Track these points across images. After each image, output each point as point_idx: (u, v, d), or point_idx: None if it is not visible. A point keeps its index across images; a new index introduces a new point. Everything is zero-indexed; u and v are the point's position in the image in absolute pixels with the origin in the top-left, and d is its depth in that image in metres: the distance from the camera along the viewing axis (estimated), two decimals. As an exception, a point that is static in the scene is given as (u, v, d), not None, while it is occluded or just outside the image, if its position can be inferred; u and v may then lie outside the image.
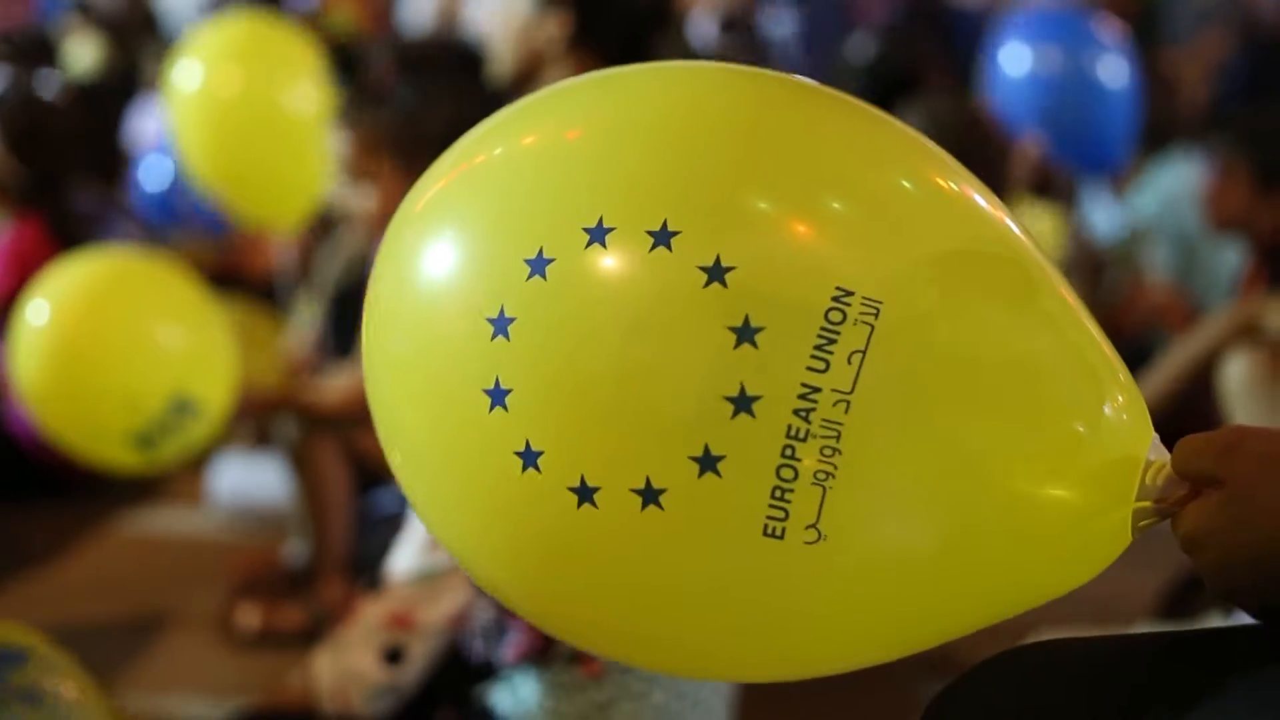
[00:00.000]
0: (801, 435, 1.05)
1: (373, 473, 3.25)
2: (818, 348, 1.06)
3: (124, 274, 2.95)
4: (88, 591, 3.37)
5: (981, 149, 3.42)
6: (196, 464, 4.03)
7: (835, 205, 1.10)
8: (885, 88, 3.99)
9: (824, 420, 1.05)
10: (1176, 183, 4.48)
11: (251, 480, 3.77)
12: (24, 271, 3.90)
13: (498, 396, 1.10)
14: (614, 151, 1.13)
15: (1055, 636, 1.26)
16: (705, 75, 1.22)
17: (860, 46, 4.64)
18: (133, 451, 2.82)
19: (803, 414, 1.05)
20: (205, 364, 2.88)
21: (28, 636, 2.01)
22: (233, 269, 5.10)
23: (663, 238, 1.07)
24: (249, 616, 3.12)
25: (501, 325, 1.10)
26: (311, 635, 3.08)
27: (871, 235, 1.10)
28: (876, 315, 1.06)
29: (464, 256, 1.15)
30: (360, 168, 3.15)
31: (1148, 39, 6.72)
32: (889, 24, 5.85)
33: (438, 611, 2.13)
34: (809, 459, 1.05)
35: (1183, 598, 2.84)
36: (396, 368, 1.20)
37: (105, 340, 2.81)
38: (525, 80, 3.09)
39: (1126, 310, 3.96)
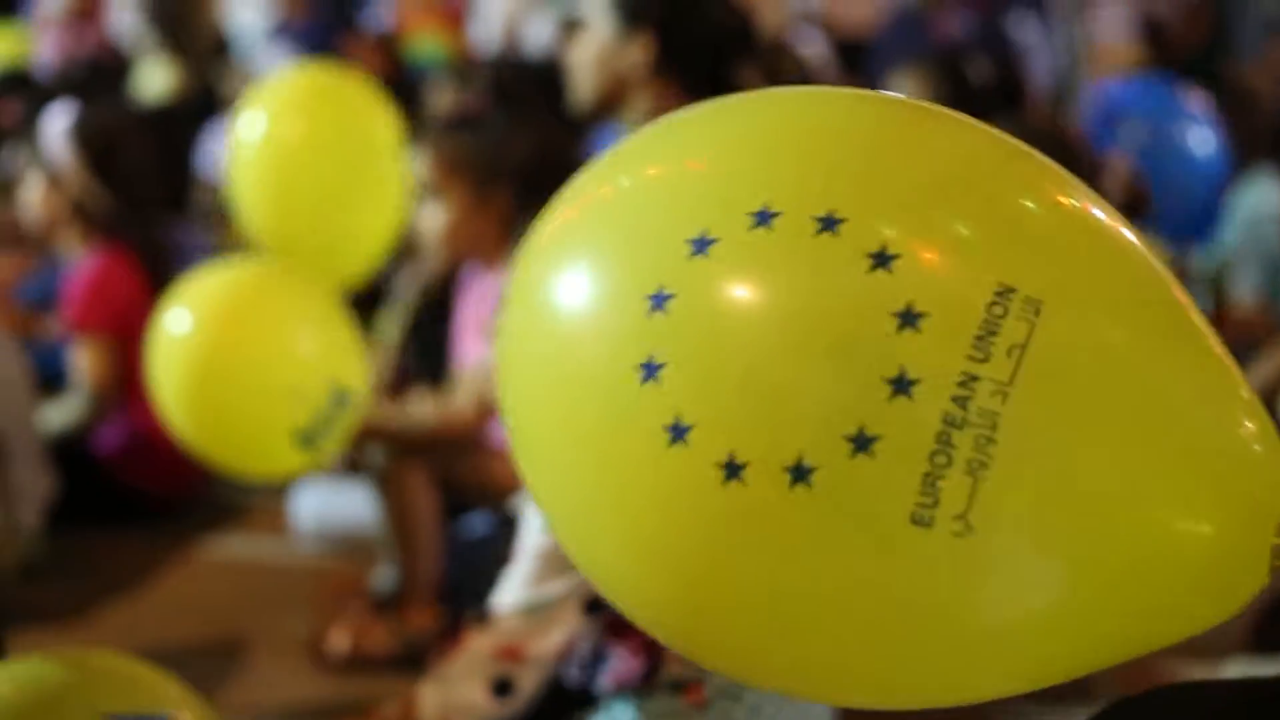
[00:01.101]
0: (958, 422, 1.06)
1: (461, 497, 3.26)
2: (978, 338, 1.07)
3: (260, 278, 2.97)
4: (176, 616, 3.40)
5: (1073, 166, 3.39)
6: (280, 489, 4.06)
7: (999, 205, 1.13)
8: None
9: (981, 409, 1.06)
10: (1261, 202, 4.45)
11: (335, 505, 3.78)
12: (107, 301, 3.94)
13: (650, 371, 1.11)
14: (781, 142, 1.17)
15: (1156, 671, 1.26)
16: (851, 90, 1.26)
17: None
18: (296, 451, 2.83)
19: (960, 401, 1.06)
20: (350, 355, 2.91)
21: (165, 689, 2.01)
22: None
23: (829, 224, 1.10)
24: (338, 641, 3.13)
25: (659, 301, 1.12)
26: (400, 660, 3.09)
27: (1033, 236, 1.13)
28: (1037, 314, 1.08)
29: (624, 236, 1.17)
30: (437, 186, 3.18)
31: (1220, 54, 6.68)
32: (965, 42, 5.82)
33: (547, 644, 2.13)
34: (963, 447, 1.06)
35: (1272, 628, 2.80)
36: (538, 356, 1.21)
37: (265, 340, 2.83)
38: (606, 106, 3.10)
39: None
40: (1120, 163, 4.15)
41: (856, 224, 1.09)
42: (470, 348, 3.24)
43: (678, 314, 1.11)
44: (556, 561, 2.15)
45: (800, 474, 1.07)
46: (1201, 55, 6.59)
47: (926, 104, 1.24)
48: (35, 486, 3.60)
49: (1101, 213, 1.18)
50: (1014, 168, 1.19)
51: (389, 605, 3.23)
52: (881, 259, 1.08)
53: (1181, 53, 6.79)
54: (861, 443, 1.06)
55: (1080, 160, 3.44)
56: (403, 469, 3.17)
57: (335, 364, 2.85)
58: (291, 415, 2.79)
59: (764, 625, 1.13)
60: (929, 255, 1.09)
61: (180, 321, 2.85)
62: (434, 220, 3.23)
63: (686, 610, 1.18)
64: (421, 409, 3.26)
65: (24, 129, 4.85)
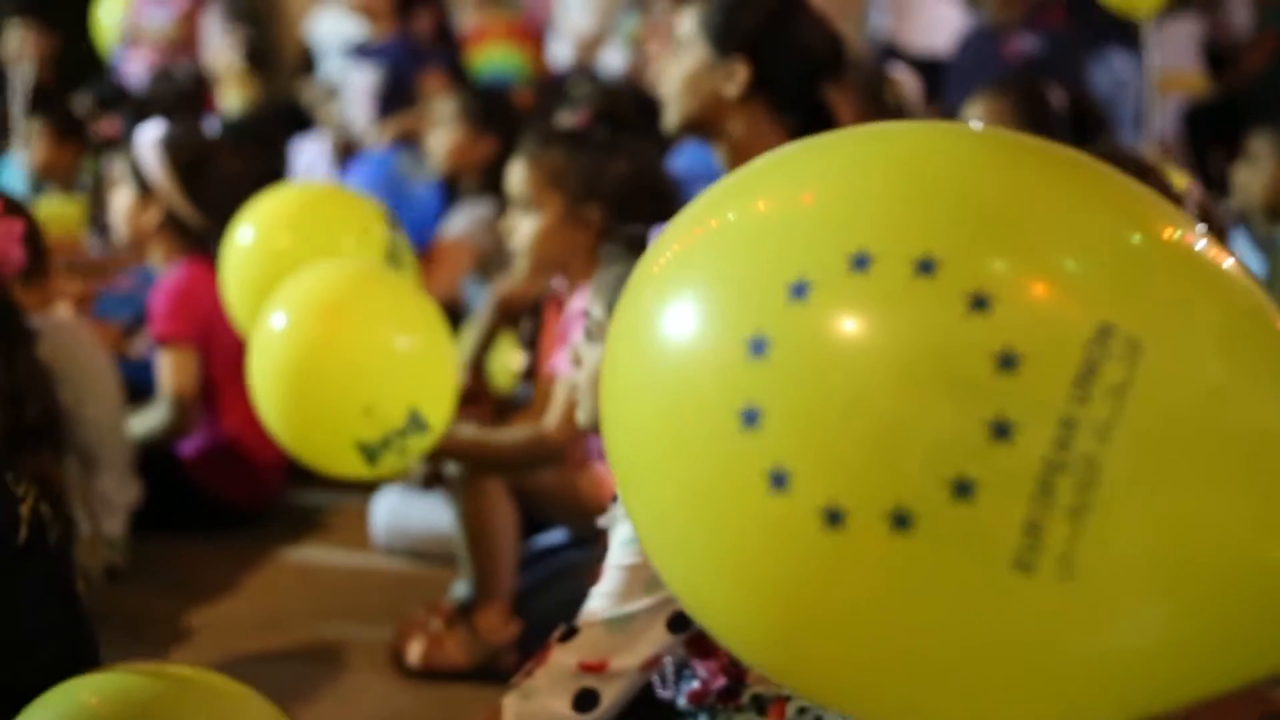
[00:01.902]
0: (1059, 466, 1.05)
1: (538, 509, 3.28)
2: (1078, 380, 1.06)
3: (365, 283, 2.98)
4: (255, 625, 3.42)
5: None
6: (360, 498, 4.10)
7: (1096, 241, 1.12)
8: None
9: (1082, 452, 1.05)
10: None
11: (414, 514, 3.81)
12: (189, 312, 3.99)
13: (750, 418, 1.11)
14: (876, 185, 1.16)
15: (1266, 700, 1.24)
16: (948, 126, 1.27)
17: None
18: (356, 461, 2.85)
19: (1061, 444, 1.05)
20: (438, 381, 2.91)
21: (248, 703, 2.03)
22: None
23: (926, 267, 1.09)
24: (414, 651, 3.15)
25: (759, 348, 1.12)
26: (477, 671, 3.10)
27: (1132, 272, 1.12)
28: (1137, 353, 1.07)
29: (724, 278, 1.17)
30: (531, 197, 3.19)
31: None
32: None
33: (632, 659, 2.15)
34: (1065, 490, 1.05)
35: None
36: (641, 391, 1.22)
37: (355, 349, 2.84)
38: (696, 128, 3.11)
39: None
40: (1193, 190, 4.12)
41: (953, 266, 1.09)
42: (557, 365, 3.26)
43: (777, 361, 1.11)
44: (643, 578, 2.16)
45: (901, 521, 1.07)
46: (1265, 81, 6.54)
47: (1021, 136, 1.23)
48: (122, 496, 3.65)
49: (1201, 243, 1.17)
50: (1111, 199, 1.18)
51: (466, 615, 3.24)
52: (979, 302, 1.08)
53: (1245, 78, 6.76)
54: (962, 489, 1.06)
55: (1159, 188, 3.42)
56: (481, 480, 3.19)
57: (419, 389, 2.86)
58: (361, 430, 2.80)
59: (864, 669, 1.14)
60: (1026, 296, 1.09)
61: (279, 319, 2.88)
62: (523, 232, 3.24)
63: (785, 650, 1.19)
64: (508, 434, 3.26)
65: (116, 142, 4.93)
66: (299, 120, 8.04)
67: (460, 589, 3.37)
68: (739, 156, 3.07)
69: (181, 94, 6.27)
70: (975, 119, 4.04)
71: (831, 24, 3.18)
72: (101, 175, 5.47)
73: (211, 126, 4.98)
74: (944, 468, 1.06)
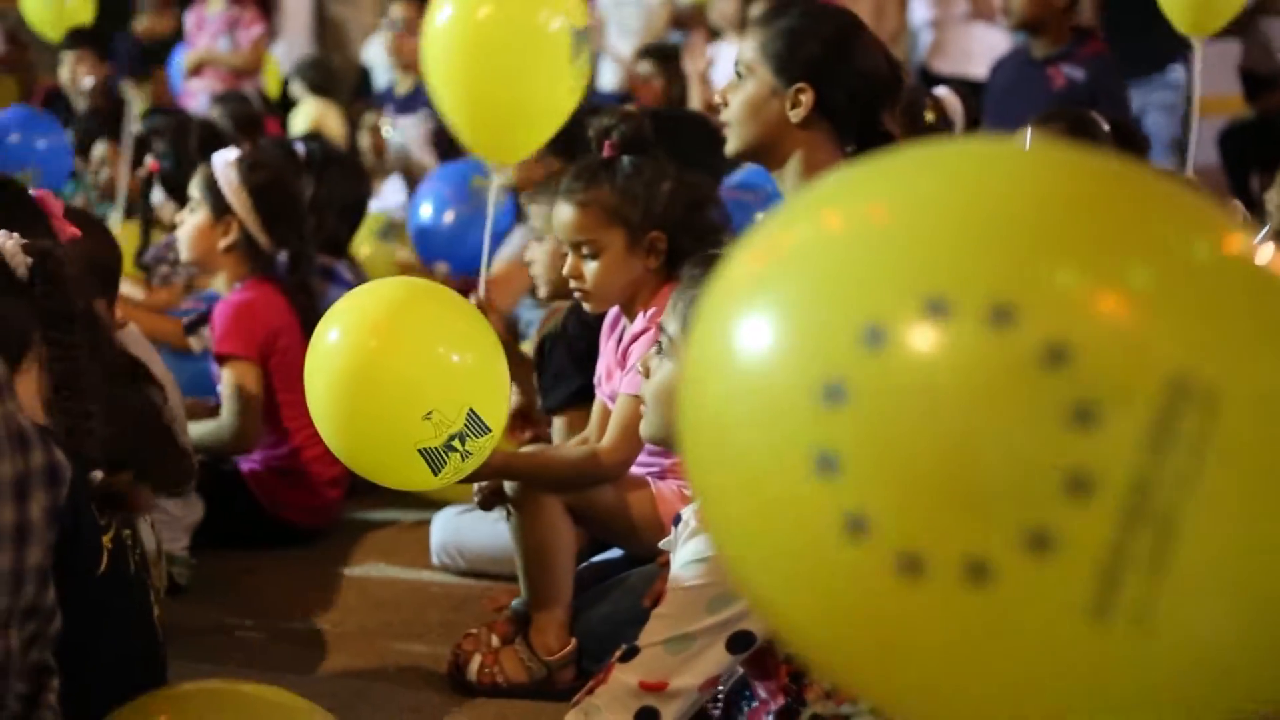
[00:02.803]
0: (1137, 519, 1.05)
1: (594, 528, 3.30)
2: (1157, 431, 1.05)
3: (417, 295, 3.02)
4: (317, 641, 3.45)
5: None
6: (420, 515, 4.13)
7: (1176, 288, 1.10)
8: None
9: (1160, 505, 1.05)
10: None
11: (473, 531, 3.84)
12: (248, 330, 4.03)
13: (826, 464, 1.11)
14: (951, 226, 1.14)
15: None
16: (1027, 154, 1.23)
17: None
18: (421, 469, 2.88)
19: (1139, 497, 1.05)
20: (492, 381, 2.94)
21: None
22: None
23: (1002, 314, 1.08)
24: (474, 667, 3.18)
25: (834, 394, 1.11)
26: (536, 688, 3.13)
27: (1212, 319, 1.10)
28: (1216, 403, 1.06)
29: (796, 325, 1.16)
30: (591, 241, 3.20)
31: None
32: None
33: (692, 679, 2.17)
34: (1143, 544, 1.05)
35: None
36: (716, 432, 1.21)
37: (410, 359, 2.88)
38: (757, 154, 3.14)
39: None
40: (1236, 207, 4.11)
41: (1029, 313, 1.08)
42: (617, 388, 3.28)
43: (853, 409, 1.10)
44: (705, 598, 2.19)
45: (978, 570, 1.07)
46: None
47: (1094, 158, 1.20)
48: (186, 514, 3.70)
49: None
50: (1189, 235, 1.15)
51: (523, 632, 3.26)
52: (1056, 353, 1.07)
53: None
54: (1040, 541, 1.06)
55: None
56: (539, 498, 3.21)
57: (475, 390, 2.89)
58: (423, 436, 2.84)
59: (940, 710, 1.14)
60: (1104, 345, 1.07)
61: (333, 331, 2.92)
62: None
63: (865, 683, 1.20)
64: (564, 448, 3.29)
65: (186, 164, 4.97)
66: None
67: (518, 606, 3.40)
68: (798, 181, 3.10)
69: (246, 117, 6.33)
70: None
71: (889, 50, 3.21)
72: (150, 207, 5.55)
73: (286, 148, 5.02)
74: (1021, 520, 1.06)
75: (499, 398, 2.94)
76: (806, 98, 3.02)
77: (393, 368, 2.85)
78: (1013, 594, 1.07)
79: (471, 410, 2.83)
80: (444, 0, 3.86)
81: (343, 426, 2.90)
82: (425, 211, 5.79)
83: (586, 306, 3.32)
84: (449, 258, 5.57)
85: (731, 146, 3.13)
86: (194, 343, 4.51)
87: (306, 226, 4.30)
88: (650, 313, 3.22)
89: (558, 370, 3.68)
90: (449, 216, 5.67)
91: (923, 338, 1.10)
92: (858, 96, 3.05)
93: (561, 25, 3.78)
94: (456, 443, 2.83)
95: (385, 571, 3.95)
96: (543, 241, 3.64)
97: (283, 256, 4.25)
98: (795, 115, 3.04)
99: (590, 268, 3.24)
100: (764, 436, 1.15)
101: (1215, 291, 1.11)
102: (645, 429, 2.49)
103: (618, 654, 2.25)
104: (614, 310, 3.39)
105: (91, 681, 2.17)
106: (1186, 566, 1.06)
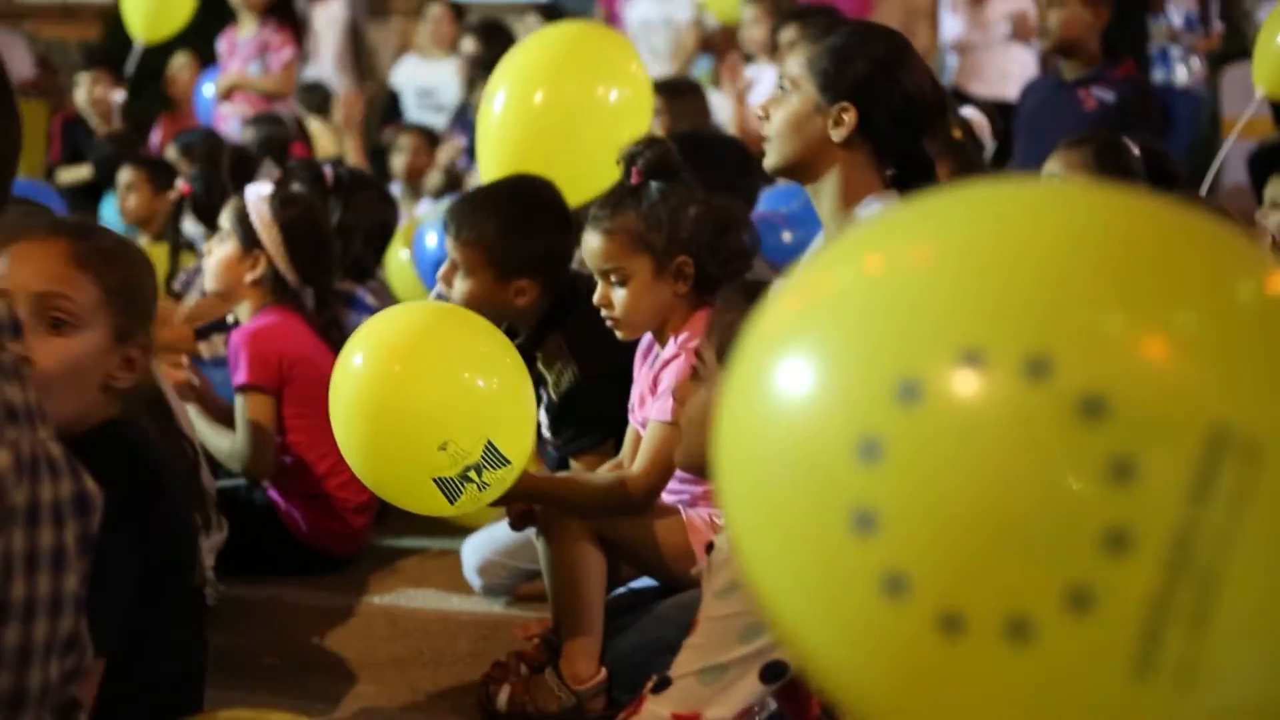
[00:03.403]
0: (1178, 575, 1.04)
1: (627, 557, 3.29)
2: (1197, 483, 1.04)
3: (443, 321, 3.01)
4: (346, 669, 3.45)
5: None
6: (448, 542, 4.13)
7: (1217, 334, 1.09)
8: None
9: (1202, 557, 1.04)
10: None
11: (503, 558, 3.83)
12: (264, 358, 4.02)
13: (864, 522, 1.10)
14: (984, 276, 1.13)
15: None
16: (1068, 196, 1.22)
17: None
18: (437, 497, 2.88)
19: (1180, 553, 1.04)
20: (516, 413, 2.93)
21: None
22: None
23: (1039, 366, 1.07)
24: (504, 695, 3.17)
25: (870, 451, 1.10)
26: (566, 716, 3.12)
27: (1253, 365, 1.09)
28: (1259, 451, 1.05)
29: (833, 377, 1.15)
30: (618, 268, 3.20)
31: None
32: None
33: (726, 710, 2.16)
34: (1184, 600, 1.04)
35: None
36: (754, 485, 1.20)
37: (426, 387, 2.87)
38: (795, 171, 3.13)
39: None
40: (1265, 231, 4.09)
41: (1065, 365, 1.07)
42: (647, 414, 3.28)
43: (889, 466, 1.09)
44: (737, 628, 2.18)
45: (1019, 629, 1.06)
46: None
47: (1141, 199, 1.19)
48: (212, 536, 3.70)
49: None
50: (1231, 278, 1.14)
51: (553, 660, 3.26)
52: (1093, 406, 1.06)
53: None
54: (1080, 600, 1.05)
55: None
56: (568, 524, 3.20)
57: (496, 422, 2.88)
58: (438, 465, 2.83)
59: None
60: (1141, 397, 1.06)
61: (359, 351, 2.91)
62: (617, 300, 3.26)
63: None
64: (593, 474, 3.29)
65: (217, 188, 4.98)
66: (385, 167, 8.15)
67: (550, 632, 3.39)
68: (835, 201, 3.09)
69: (276, 140, 6.35)
70: (1057, 170, 4.05)
71: (934, 74, 3.19)
72: (179, 231, 5.56)
73: (316, 174, 5.03)
74: (1061, 577, 1.05)
75: (522, 430, 2.93)
76: (850, 117, 3.01)
77: (410, 395, 2.85)
78: (1054, 652, 1.06)
79: (490, 443, 2.83)
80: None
81: (361, 451, 2.91)
82: (431, 242, 5.64)
83: (619, 334, 3.32)
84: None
85: (770, 161, 3.12)
86: (203, 349, 4.51)
87: (334, 263, 4.30)
88: (681, 338, 3.22)
89: (583, 419, 3.67)
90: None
91: (958, 391, 1.09)
92: (901, 119, 3.04)
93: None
94: (473, 474, 2.83)
95: (414, 599, 3.95)
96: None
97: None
98: (837, 134, 3.03)
99: (619, 295, 3.23)
100: (801, 493, 1.14)
101: (1257, 337, 1.10)
102: (680, 456, 2.49)
103: (650, 685, 2.24)
104: (647, 338, 3.39)
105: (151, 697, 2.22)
106: (1228, 621, 1.05)
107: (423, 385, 2.87)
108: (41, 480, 1.69)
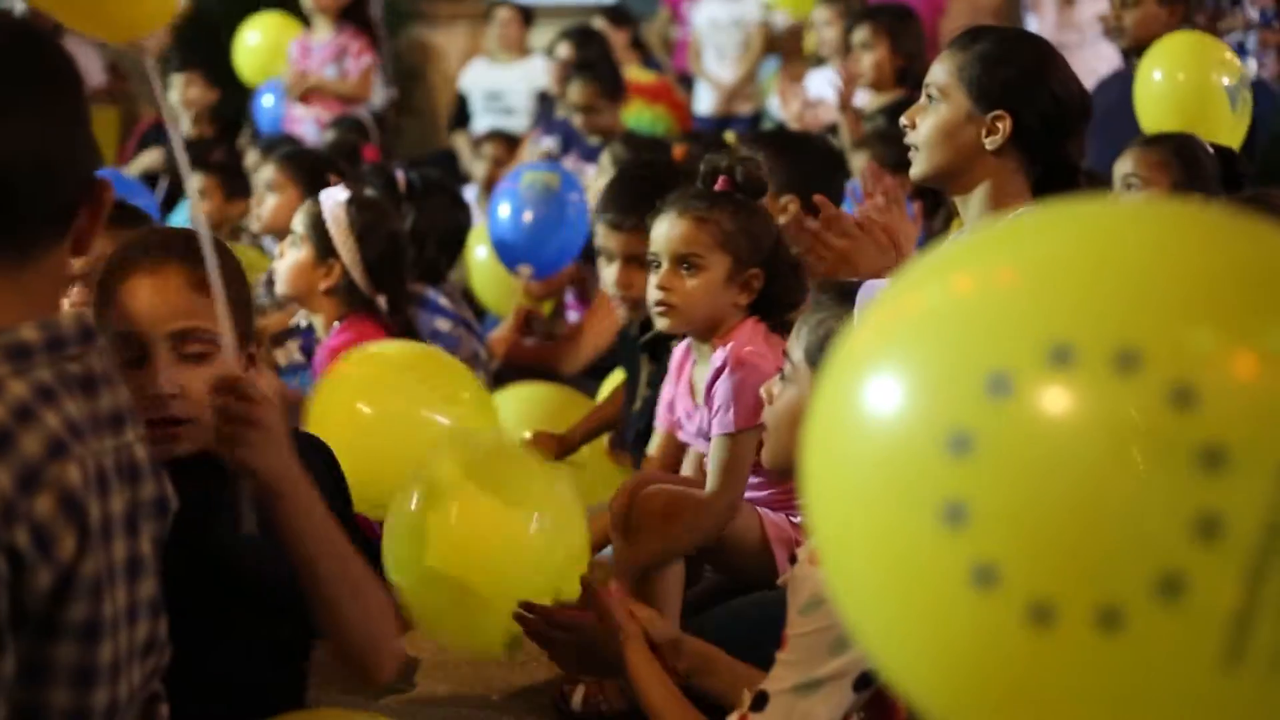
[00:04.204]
0: (1267, 562, 1.04)
1: (706, 554, 3.29)
2: None
3: (493, 464, 2.91)
4: (421, 669, 3.46)
5: None
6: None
7: None
8: None
9: None
10: None
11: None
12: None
13: (954, 514, 1.11)
14: (1076, 272, 1.15)
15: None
16: (1145, 211, 1.24)
17: None
18: (496, 650, 2.88)
19: (1271, 539, 1.05)
20: (572, 558, 2.86)
21: None
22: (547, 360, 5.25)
23: (1129, 361, 1.08)
24: (578, 695, 3.18)
25: (960, 444, 1.11)
26: (640, 714, 3.12)
27: None
28: None
29: (922, 378, 1.16)
30: (694, 256, 3.22)
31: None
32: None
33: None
34: (1274, 586, 1.05)
35: None
36: (842, 486, 1.21)
37: (498, 550, 2.79)
38: (944, 179, 3.11)
39: None
40: None
41: (1156, 360, 1.08)
42: (694, 421, 3.30)
43: (979, 459, 1.10)
44: (827, 641, 2.18)
45: (1110, 618, 1.07)
46: None
47: (1217, 214, 1.21)
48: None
49: None
50: None
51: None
52: (1183, 396, 1.07)
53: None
54: (1171, 587, 1.05)
55: None
56: (644, 523, 3.21)
57: (559, 575, 2.83)
58: (511, 628, 2.80)
59: None
60: (1231, 386, 1.07)
61: (415, 503, 2.81)
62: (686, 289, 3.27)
63: None
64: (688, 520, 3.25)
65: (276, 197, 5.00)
66: (455, 171, 8.19)
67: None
68: (983, 208, 3.06)
69: (346, 145, 6.38)
70: (1130, 169, 4.03)
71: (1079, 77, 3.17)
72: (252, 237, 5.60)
73: (388, 180, 5.04)
74: (1151, 566, 1.06)
75: (578, 568, 2.84)
76: (1004, 125, 2.98)
77: (487, 580, 2.76)
78: (1144, 641, 1.06)
79: (557, 593, 2.78)
80: None
81: (429, 610, 2.85)
82: (504, 212, 5.57)
83: (663, 324, 3.32)
84: (531, 260, 5.52)
85: (918, 170, 3.09)
86: (279, 355, 4.49)
87: (407, 269, 4.31)
88: (729, 346, 3.21)
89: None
90: (527, 218, 5.49)
91: (1048, 385, 1.10)
92: (1052, 124, 3.01)
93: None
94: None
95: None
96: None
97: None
98: (991, 143, 3.00)
99: (688, 284, 3.24)
100: (891, 488, 1.15)
101: None
102: (767, 456, 2.49)
103: (747, 701, 2.25)
104: (682, 346, 3.40)
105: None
106: None
107: (498, 568, 2.79)
108: (111, 493, 1.70)
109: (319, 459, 2.44)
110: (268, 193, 5.19)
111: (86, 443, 1.66)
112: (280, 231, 4.88)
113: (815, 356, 2.33)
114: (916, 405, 1.15)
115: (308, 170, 5.12)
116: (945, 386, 1.14)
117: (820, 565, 2.13)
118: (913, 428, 1.14)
